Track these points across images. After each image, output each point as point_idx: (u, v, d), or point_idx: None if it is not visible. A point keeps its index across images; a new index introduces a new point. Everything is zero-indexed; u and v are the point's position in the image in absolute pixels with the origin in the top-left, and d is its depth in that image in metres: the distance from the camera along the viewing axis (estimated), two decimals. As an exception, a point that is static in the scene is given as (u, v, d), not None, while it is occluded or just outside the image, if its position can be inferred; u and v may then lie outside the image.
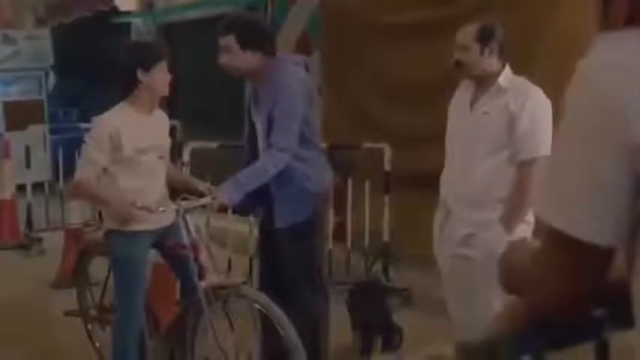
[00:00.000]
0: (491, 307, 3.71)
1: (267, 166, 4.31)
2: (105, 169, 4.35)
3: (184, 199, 4.35)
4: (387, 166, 7.20)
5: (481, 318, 3.77)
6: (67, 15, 13.50)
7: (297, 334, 4.13)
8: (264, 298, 4.28)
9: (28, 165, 9.61)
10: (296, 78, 4.37)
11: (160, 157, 4.51)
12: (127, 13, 12.42)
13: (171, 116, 12.32)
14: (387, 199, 7.21)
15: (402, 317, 5.62)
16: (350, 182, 7.40)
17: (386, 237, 7.20)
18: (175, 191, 4.55)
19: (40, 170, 10.89)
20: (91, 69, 13.41)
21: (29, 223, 9.58)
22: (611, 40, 1.34)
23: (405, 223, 7.07)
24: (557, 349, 1.47)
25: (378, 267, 7.13)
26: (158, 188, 4.50)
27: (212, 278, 4.36)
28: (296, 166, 4.38)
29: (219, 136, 8.20)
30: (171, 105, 12.11)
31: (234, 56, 4.39)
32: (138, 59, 4.36)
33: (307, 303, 4.51)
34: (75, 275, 5.39)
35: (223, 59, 4.44)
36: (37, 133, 11.51)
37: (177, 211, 4.32)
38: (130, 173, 4.35)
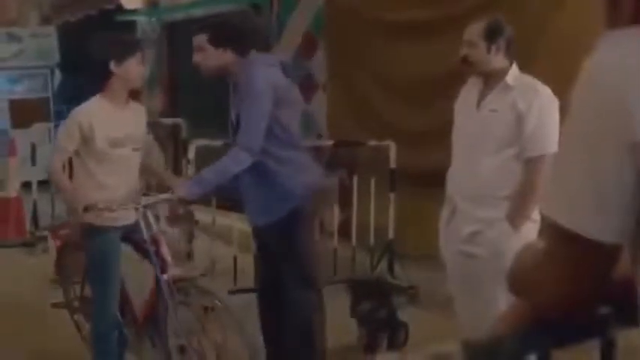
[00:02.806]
0: (496, 304, 3.71)
1: (229, 164, 4.34)
2: (81, 162, 4.45)
3: (144, 194, 4.52)
4: (393, 164, 7.21)
5: (486, 315, 3.77)
6: (73, 13, 13.51)
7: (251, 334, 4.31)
8: (217, 295, 4.47)
9: (33, 163, 9.61)
10: (263, 78, 4.34)
11: (135, 150, 4.58)
12: (132, 12, 12.43)
13: (176, 114, 12.31)
14: (392, 196, 7.21)
15: (407, 314, 5.62)
16: (355, 180, 7.40)
17: (391, 234, 7.21)
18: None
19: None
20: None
21: (35, 221, 9.60)
22: (617, 38, 1.33)
23: (410, 220, 7.08)
24: (563, 348, 1.47)
25: (383, 264, 7.14)
26: (131, 181, 4.58)
27: (174, 271, 4.50)
28: (270, 166, 4.40)
29: (224, 134, 8.20)
30: (175, 103, 12.17)
31: (207, 55, 4.45)
32: (111, 51, 4.45)
33: (296, 302, 4.52)
34: (57, 270, 5.48)
35: (197, 58, 4.50)
36: (42, 131, 11.52)
37: (137, 208, 4.44)
38: (104, 165, 4.43)
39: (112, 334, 4.61)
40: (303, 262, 4.56)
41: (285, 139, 4.44)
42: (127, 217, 4.51)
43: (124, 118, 4.51)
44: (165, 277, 4.46)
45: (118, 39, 4.69)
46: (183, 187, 4.37)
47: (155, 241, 4.51)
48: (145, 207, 4.47)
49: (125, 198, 4.46)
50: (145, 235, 4.48)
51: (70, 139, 4.41)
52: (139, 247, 4.63)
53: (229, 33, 4.47)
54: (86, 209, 4.27)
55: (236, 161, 4.32)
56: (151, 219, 4.52)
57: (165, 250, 4.51)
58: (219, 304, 4.40)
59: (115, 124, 4.44)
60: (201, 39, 4.45)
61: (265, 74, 4.38)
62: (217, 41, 4.41)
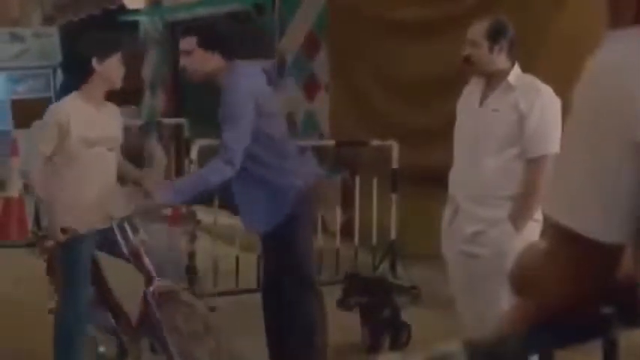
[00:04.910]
0: (498, 304, 3.70)
1: (208, 175, 4.35)
2: (52, 162, 4.38)
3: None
4: (395, 164, 7.21)
5: (488, 315, 3.77)
6: (75, 13, 13.53)
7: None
8: (200, 305, 4.46)
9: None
10: (244, 89, 4.32)
11: (110, 150, 4.53)
12: (135, 11, 12.44)
13: (178, 114, 12.31)
14: (394, 196, 7.21)
15: (409, 314, 5.62)
16: (357, 179, 7.40)
17: (393, 234, 7.20)
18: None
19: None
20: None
21: (37, 221, 9.58)
22: (619, 38, 1.33)
23: (412, 220, 7.08)
24: (565, 348, 1.46)
25: (385, 264, 7.14)
26: (106, 180, 4.52)
27: (158, 283, 4.43)
28: (261, 175, 4.39)
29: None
30: (178, 103, 12.17)
31: (194, 58, 4.41)
32: (93, 48, 4.41)
33: (296, 302, 4.53)
34: (49, 274, 5.47)
35: (184, 61, 4.47)
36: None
37: (111, 222, 4.39)
38: (76, 166, 4.37)
39: (76, 335, 4.55)
40: (302, 264, 4.56)
41: (271, 147, 4.42)
42: (102, 221, 4.45)
43: (100, 118, 4.46)
44: (151, 289, 4.40)
45: (100, 36, 4.68)
46: (160, 195, 4.33)
47: (135, 254, 4.44)
48: (121, 220, 4.39)
49: (101, 200, 4.40)
50: (124, 249, 4.42)
51: (47, 140, 4.36)
52: (123, 257, 4.58)
53: (217, 36, 4.46)
54: (63, 231, 4.23)
55: (216, 173, 4.29)
56: (129, 231, 4.42)
57: (147, 262, 4.43)
58: (201, 316, 4.39)
59: (91, 123, 4.39)
60: (189, 41, 4.41)
61: (246, 85, 4.35)
62: (206, 44, 4.38)
